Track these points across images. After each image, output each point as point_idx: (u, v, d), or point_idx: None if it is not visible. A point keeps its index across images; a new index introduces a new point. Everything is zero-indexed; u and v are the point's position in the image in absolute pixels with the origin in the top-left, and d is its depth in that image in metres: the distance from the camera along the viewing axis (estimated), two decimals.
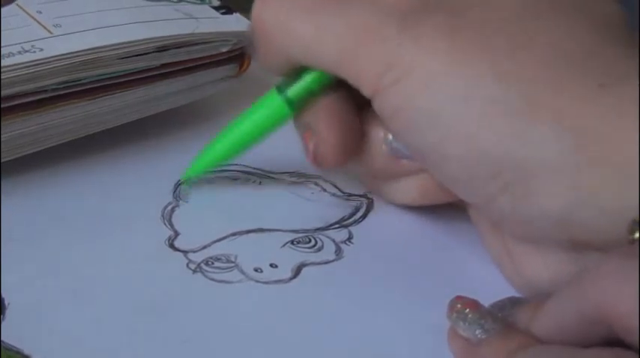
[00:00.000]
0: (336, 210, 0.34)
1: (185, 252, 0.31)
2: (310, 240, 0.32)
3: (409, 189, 0.32)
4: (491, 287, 0.27)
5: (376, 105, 0.29)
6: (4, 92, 0.31)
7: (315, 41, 0.29)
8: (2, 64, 0.30)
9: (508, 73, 0.26)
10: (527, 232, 0.27)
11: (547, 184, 0.25)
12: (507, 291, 0.27)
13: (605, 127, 0.25)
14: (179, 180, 0.34)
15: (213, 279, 0.30)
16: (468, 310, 0.26)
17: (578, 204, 0.25)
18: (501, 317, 0.26)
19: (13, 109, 0.32)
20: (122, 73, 0.34)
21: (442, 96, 0.27)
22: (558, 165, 0.25)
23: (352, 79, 0.29)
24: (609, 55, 0.26)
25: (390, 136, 0.31)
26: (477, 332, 0.25)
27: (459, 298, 0.26)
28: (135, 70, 0.34)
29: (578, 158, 0.25)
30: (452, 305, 0.26)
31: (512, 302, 0.27)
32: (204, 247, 0.31)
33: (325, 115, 0.31)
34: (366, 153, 0.31)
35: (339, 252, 0.32)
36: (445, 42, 0.27)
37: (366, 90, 0.29)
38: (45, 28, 0.33)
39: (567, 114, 0.25)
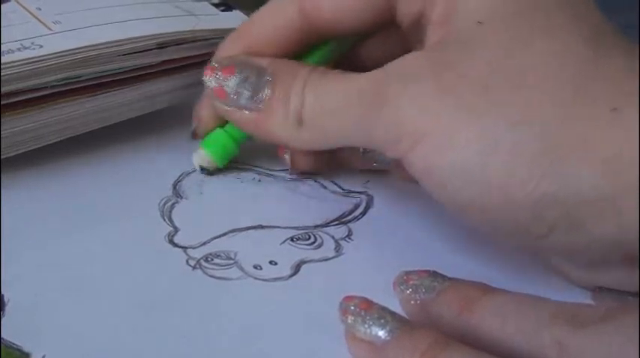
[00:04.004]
0: (336, 206, 0.34)
1: (185, 248, 0.31)
2: (310, 237, 0.32)
3: None
4: (493, 282, 0.27)
5: (407, 167, 0.28)
6: (4, 89, 0.31)
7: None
8: (2, 61, 0.31)
9: (517, 119, 0.26)
10: (586, 257, 0.28)
11: (592, 214, 0.25)
12: (509, 286, 0.27)
13: (630, 152, 0.24)
14: (180, 175, 0.34)
15: (212, 276, 0.30)
16: (363, 311, 0.24)
17: (627, 226, 0.25)
18: (399, 316, 0.24)
19: (13, 106, 0.32)
20: (122, 70, 0.34)
21: (465, 151, 0.26)
22: (597, 194, 0.25)
23: (379, 149, 0.29)
24: (611, 71, 0.26)
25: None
26: (380, 333, 0.24)
27: (349, 299, 0.25)
28: (135, 67, 0.34)
29: (613, 185, 0.25)
30: (344, 308, 0.25)
31: (438, 284, 0.26)
32: (204, 243, 0.31)
33: None
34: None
35: (338, 248, 0.32)
36: (444, 100, 0.27)
37: (393, 157, 0.28)
38: (45, 24, 0.33)
39: (591, 146, 0.25)
